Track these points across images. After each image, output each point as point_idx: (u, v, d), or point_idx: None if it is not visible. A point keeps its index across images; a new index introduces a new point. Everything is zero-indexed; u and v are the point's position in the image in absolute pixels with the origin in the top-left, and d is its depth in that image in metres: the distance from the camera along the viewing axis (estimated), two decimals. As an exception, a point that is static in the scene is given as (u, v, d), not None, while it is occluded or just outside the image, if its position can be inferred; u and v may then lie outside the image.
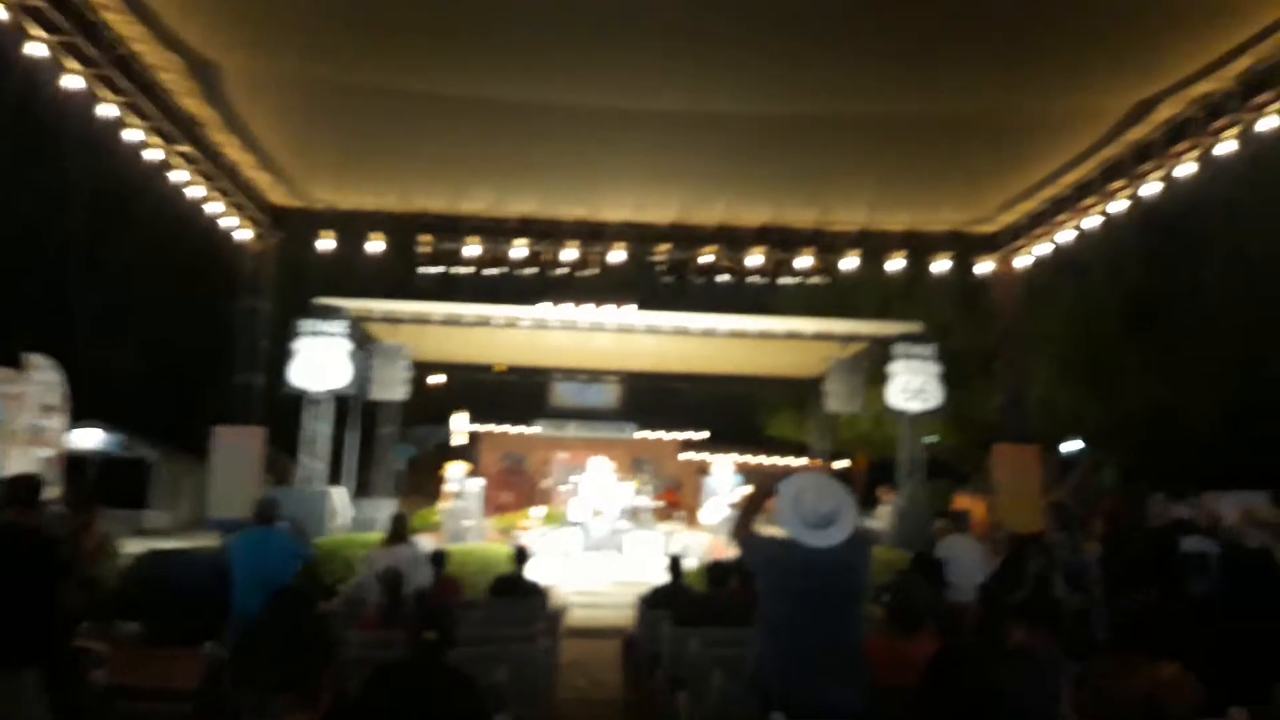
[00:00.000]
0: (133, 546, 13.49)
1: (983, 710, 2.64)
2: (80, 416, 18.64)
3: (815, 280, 15.63)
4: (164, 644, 10.48)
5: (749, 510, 4.82)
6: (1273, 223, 18.14)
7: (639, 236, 15.53)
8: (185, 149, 12.51)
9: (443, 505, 16.66)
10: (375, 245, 15.37)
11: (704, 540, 16.73)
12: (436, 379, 22.20)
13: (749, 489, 16.66)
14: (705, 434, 27.03)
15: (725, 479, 17.29)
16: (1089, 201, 13.09)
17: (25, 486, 5.17)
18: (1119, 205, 12.69)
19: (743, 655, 5.40)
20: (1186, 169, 11.31)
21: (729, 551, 15.77)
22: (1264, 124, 10.09)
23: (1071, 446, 23.34)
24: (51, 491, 15.91)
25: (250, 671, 1.95)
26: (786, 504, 4.37)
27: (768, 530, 4.76)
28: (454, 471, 17.04)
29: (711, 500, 17.30)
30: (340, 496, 15.59)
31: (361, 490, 17.84)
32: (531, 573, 9.84)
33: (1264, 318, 19.18)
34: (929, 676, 3.04)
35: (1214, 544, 6.02)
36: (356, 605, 8.86)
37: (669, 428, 26.37)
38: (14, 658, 4.49)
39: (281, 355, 15.27)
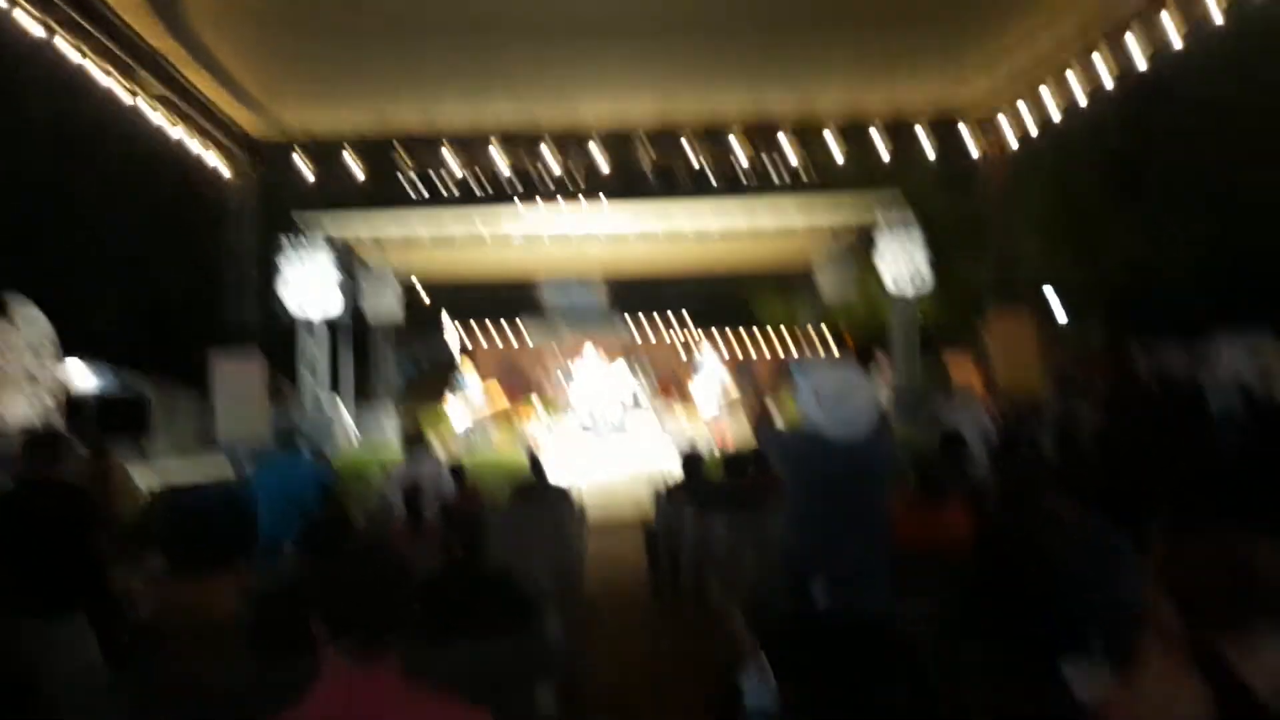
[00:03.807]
0: (141, 476, 13.64)
1: (1038, 583, 2.74)
2: (66, 354, 18.62)
3: (800, 171, 15.55)
4: (191, 573, 10.77)
5: (763, 398, 4.84)
6: (1252, 74, 18.02)
7: (619, 138, 15.35)
8: (153, 85, 12.26)
9: (453, 400, 16.78)
10: (354, 168, 15.19)
11: (704, 432, 16.96)
12: (423, 294, 22.10)
13: (732, 381, 16.91)
14: (696, 327, 27.11)
15: (713, 371, 17.41)
16: (1076, 67, 12.96)
17: (44, 440, 5.24)
18: (1106, 70, 12.56)
19: (768, 539, 5.56)
20: (1175, 28, 11.15)
21: (730, 437, 16.13)
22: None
23: (1055, 308, 23.60)
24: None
25: (342, 620, 2.02)
26: (807, 396, 4.39)
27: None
28: (469, 377, 17.13)
29: (702, 392, 17.44)
30: (345, 415, 15.72)
31: (360, 405, 17.92)
32: (548, 472, 9.96)
33: (1243, 165, 19.16)
34: (977, 552, 3.14)
35: (1239, 397, 6.11)
36: (378, 520, 9.01)
37: (660, 324, 26.45)
38: (58, 605, 4.65)
39: (269, 283, 15.21)
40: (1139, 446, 6.02)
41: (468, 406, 16.54)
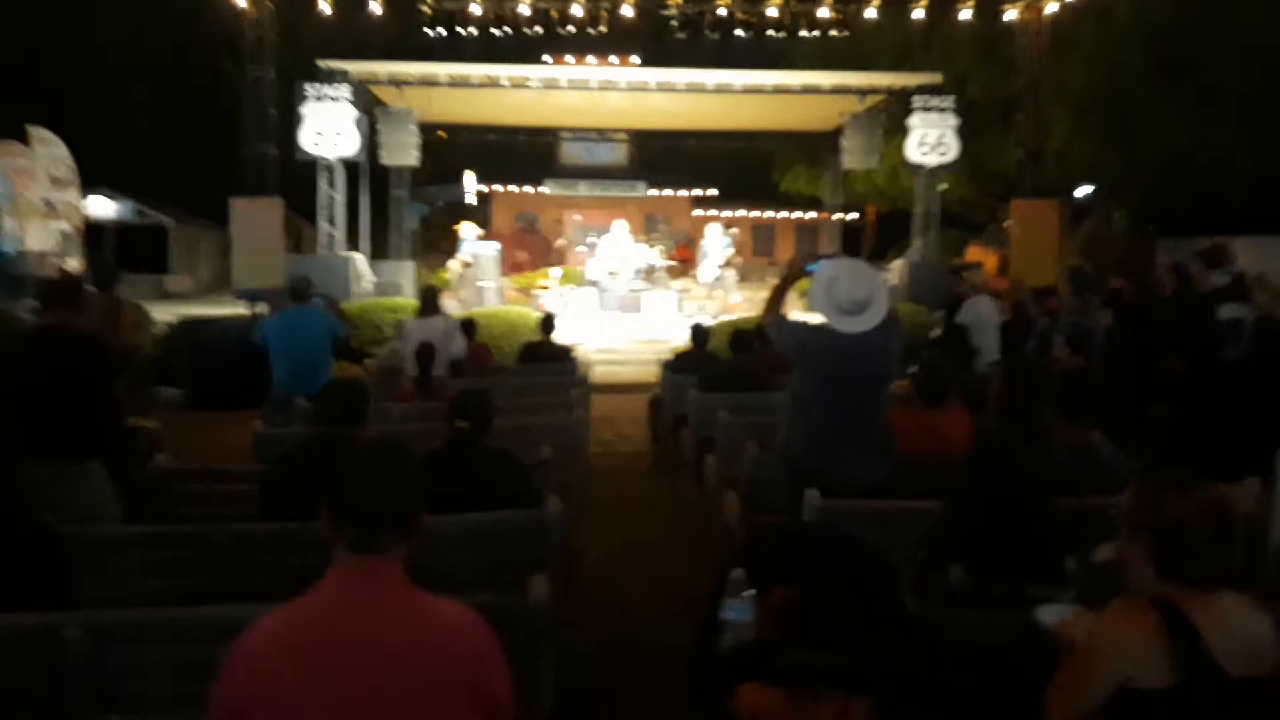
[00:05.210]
0: (159, 312, 13.86)
1: (1023, 511, 2.81)
2: (87, 185, 18.65)
3: (833, 33, 15.07)
4: (205, 408, 11.04)
5: (779, 293, 4.88)
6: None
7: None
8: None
9: (453, 265, 16.93)
10: (374, 5, 14.80)
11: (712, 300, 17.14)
12: (441, 134, 21.71)
13: (733, 246, 16.97)
14: (716, 191, 26.84)
15: (716, 240, 17.44)
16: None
17: (64, 288, 5.19)
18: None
19: (769, 423, 5.67)
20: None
21: (739, 308, 16.25)
22: None
23: (1083, 193, 23.23)
24: (73, 264, 16.22)
25: (347, 515, 2.07)
26: (820, 291, 4.44)
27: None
28: (466, 232, 17.14)
29: (704, 261, 17.57)
30: (361, 261, 15.76)
31: (377, 253, 17.97)
32: (556, 334, 10.11)
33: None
34: (967, 471, 3.20)
35: (1249, 309, 6.10)
36: (391, 375, 9.20)
37: (680, 185, 26.14)
38: (79, 453, 4.79)
39: (289, 122, 15.03)
40: (1142, 358, 6.04)
41: (481, 260, 16.60)
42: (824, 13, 14.74)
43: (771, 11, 14.78)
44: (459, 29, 15.02)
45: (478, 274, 16.54)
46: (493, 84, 16.05)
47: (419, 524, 2.15)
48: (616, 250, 16.94)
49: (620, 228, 17.30)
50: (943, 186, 17.11)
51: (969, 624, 2.63)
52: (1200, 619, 2.08)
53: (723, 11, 14.84)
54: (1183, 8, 18.17)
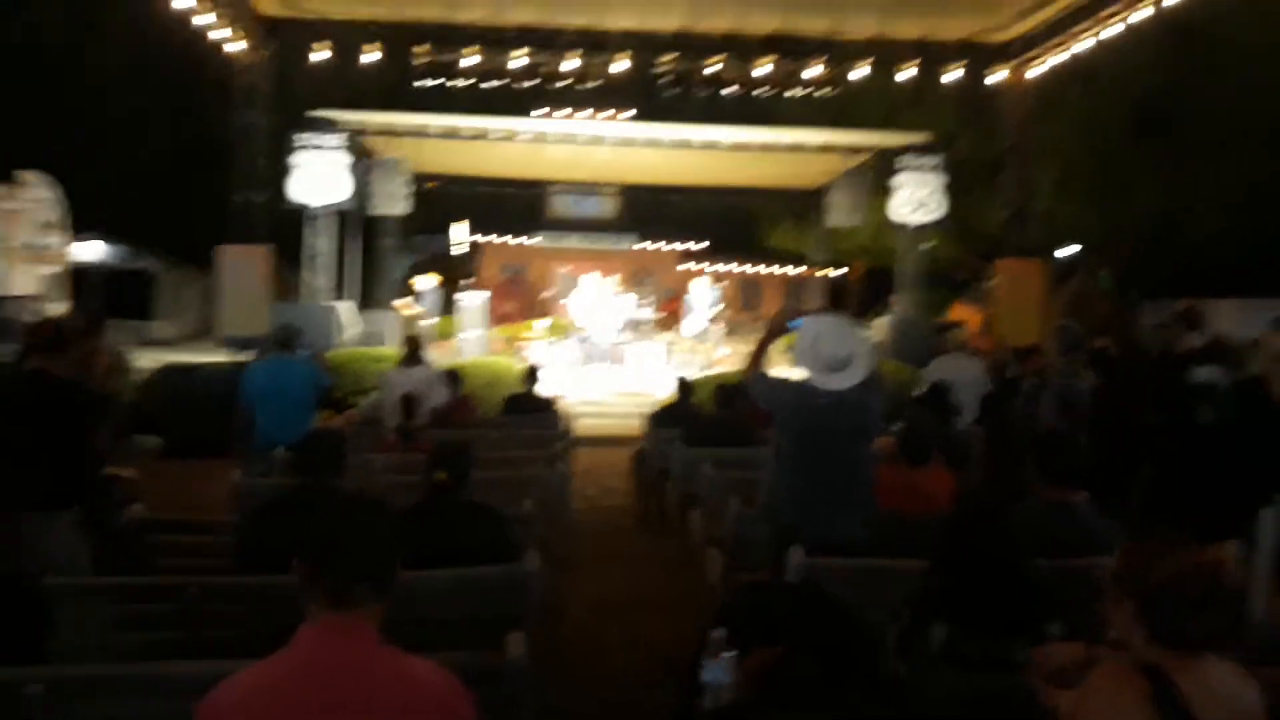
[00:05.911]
0: (142, 359, 13.76)
1: (1007, 572, 2.78)
2: (78, 229, 18.63)
3: (822, 92, 15.29)
4: (185, 457, 10.91)
5: (761, 349, 4.89)
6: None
7: (643, 46, 15.04)
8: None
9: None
10: (370, 57, 14.94)
11: (698, 353, 17.22)
12: (432, 184, 21.84)
13: (720, 302, 17.16)
14: (704, 245, 26.99)
15: (703, 295, 17.57)
16: (1109, 9, 12.63)
17: (50, 332, 5.12)
18: (1141, 14, 12.23)
19: (753, 479, 5.65)
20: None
21: (726, 363, 16.27)
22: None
23: (1068, 252, 23.42)
24: (58, 309, 16.15)
25: (333, 563, 2.04)
26: (804, 347, 4.46)
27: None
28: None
29: (691, 316, 17.70)
30: (346, 310, 15.72)
31: (365, 302, 17.95)
32: (541, 386, 10.07)
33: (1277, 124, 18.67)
34: (950, 530, 3.18)
35: (1225, 373, 6.13)
36: (373, 425, 9.13)
37: (668, 238, 26.29)
38: (54, 501, 4.69)
39: (278, 169, 15.08)
40: (1123, 421, 6.05)
41: (463, 311, 16.75)
42: (814, 72, 14.94)
43: (762, 70, 14.97)
44: (452, 81, 15.15)
45: (469, 322, 16.66)
46: (482, 136, 16.19)
47: (394, 579, 2.11)
48: (588, 304, 17.06)
49: (591, 281, 17.42)
50: (930, 244, 17.22)
51: (952, 685, 2.60)
52: (1187, 684, 2.05)
53: (712, 70, 15.01)
54: (1164, 72, 18.47)
